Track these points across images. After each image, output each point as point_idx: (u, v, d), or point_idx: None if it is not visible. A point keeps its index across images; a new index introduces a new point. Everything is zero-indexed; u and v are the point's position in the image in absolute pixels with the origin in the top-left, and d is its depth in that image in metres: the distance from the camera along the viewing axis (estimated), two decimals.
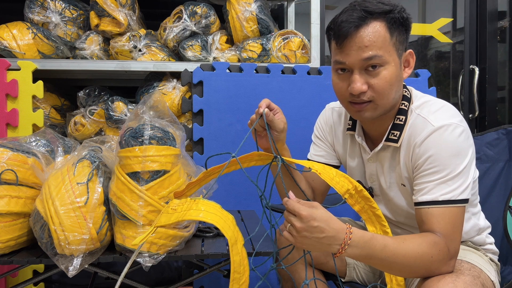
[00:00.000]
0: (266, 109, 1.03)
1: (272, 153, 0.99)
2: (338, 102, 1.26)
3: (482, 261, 1.06)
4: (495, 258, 1.16)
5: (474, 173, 1.01)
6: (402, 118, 1.06)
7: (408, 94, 1.09)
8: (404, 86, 1.10)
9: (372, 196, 1.17)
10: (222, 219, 0.85)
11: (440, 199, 0.95)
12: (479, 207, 1.18)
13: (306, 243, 0.86)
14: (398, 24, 0.99)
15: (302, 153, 1.37)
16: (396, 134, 1.06)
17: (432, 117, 1.01)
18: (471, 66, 2.52)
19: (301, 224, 0.84)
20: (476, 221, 1.15)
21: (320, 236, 0.84)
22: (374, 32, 0.96)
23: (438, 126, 0.98)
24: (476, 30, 2.55)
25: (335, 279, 1.25)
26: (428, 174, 0.98)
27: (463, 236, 1.11)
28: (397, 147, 1.07)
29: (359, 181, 1.19)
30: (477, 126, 2.55)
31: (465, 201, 0.96)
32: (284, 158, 0.97)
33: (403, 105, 1.07)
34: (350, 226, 0.88)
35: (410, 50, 1.05)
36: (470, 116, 2.51)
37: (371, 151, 1.13)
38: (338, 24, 0.98)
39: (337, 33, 0.99)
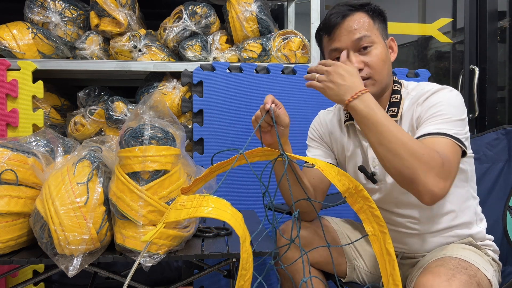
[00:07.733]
0: (273, 105, 1.06)
1: (277, 148, 0.99)
2: (329, 108, 1.36)
3: (481, 260, 1.06)
4: (496, 257, 1.16)
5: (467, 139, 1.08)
6: (397, 97, 1.18)
7: (398, 80, 1.21)
8: (394, 74, 1.19)
9: (375, 182, 1.19)
10: (233, 217, 0.84)
11: (442, 131, 1.01)
12: (477, 198, 1.21)
13: (329, 86, 1.03)
14: (377, 14, 1.15)
15: (301, 153, 1.37)
16: (395, 110, 1.16)
17: (429, 86, 1.14)
18: (471, 66, 2.52)
19: (333, 68, 1.02)
20: (475, 205, 1.19)
21: (341, 83, 1.01)
22: (359, 18, 1.12)
23: (438, 88, 1.11)
24: (476, 30, 2.55)
25: (335, 279, 1.25)
26: (430, 117, 1.05)
27: (464, 230, 1.15)
28: (397, 120, 1.14)
29: (362, 167, 1.21)
30: (477, 126, 2.54)
31: (463, 145, 1.02)
32: (288, 154, 0.98)
33: (396, 86, 1.19)
34: (368, 90, 1.01)
35: (391, 37, 1.20)
36: (470, 116, 2.51)
37: None
38: (327, 19, 1.14)
39: (327, 25, 1.14)
